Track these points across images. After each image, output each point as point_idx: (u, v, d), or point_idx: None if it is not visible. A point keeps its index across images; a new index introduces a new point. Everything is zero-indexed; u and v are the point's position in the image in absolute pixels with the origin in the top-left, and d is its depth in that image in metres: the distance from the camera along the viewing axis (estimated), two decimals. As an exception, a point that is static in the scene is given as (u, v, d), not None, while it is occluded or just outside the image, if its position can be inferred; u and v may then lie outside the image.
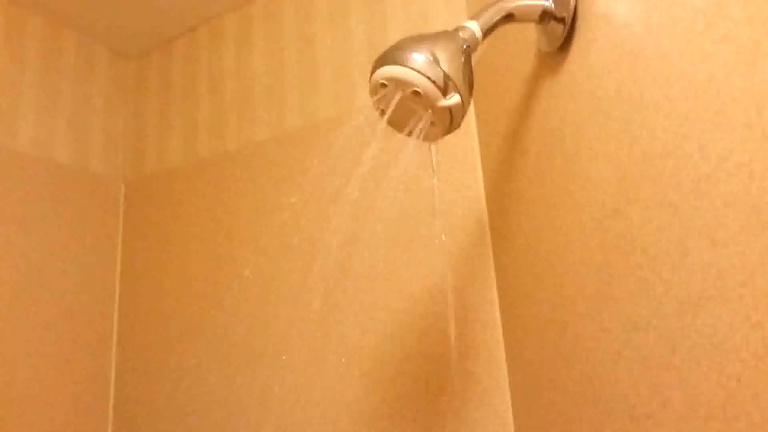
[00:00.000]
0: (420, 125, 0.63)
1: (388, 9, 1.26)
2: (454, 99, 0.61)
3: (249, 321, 1.27)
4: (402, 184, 1.12)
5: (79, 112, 1.52)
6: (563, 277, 0.71)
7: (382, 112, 0.64)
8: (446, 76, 0.60)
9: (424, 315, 1.06)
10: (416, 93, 0.61)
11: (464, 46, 0.63)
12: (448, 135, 0.67)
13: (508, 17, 0.68)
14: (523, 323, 0.87)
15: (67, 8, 1.46)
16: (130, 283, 1.48)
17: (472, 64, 0.65)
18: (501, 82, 0.92)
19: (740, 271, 0.41)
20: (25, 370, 1.28)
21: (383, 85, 0.62)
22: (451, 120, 0.64)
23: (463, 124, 0.67)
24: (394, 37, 1.24)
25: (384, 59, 0.62)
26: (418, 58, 0.60)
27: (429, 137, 0.66)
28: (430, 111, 0.62)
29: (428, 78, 0.60)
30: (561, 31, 0.67)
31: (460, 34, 0.65)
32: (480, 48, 0.67)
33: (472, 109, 1.10)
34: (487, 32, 0.67)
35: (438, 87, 0.60)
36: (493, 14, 0.67)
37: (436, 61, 0.60)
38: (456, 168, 1.09)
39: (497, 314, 0.99)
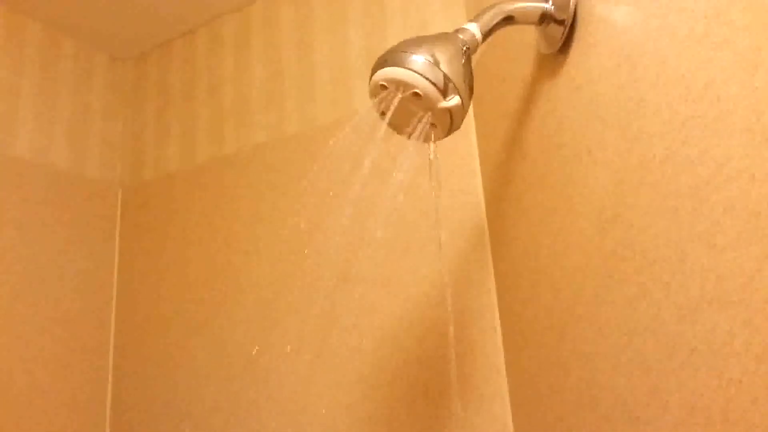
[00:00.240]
0: (420, 127, 0.63)
1: (386, 14, 1.26)
2: (454, 100, 0.61)
3: (246, 326, 1.27)
4: (401, 189, 1.11)
5: (77, 117, 1.52)
6: (562, 282, 0.70)
7: (383, 114, 0.64)
8: (446, 78, 0.60)
9: (424, 320, 1.06)
10: (416, 94, 0.61)
11: (464, 48, 0.63)
12: (447, 139, 0.67)
13: (508, 19, 0.68)
14: (522, 328, 0.87)
15: (65, 14, 1.47)
16: (127, 287, 1.48)
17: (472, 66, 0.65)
18: (500, 84, 0.92)
19: (739, 276, 0.41)
20: (23, 374, 1.27)
21: (383, 87, 0.62)
22: (451, 121, 0.64)
23: (462, 128, 0.67)
24: (392, 42, 1.24)
25: (384, 61, 0.62)
26: (418, 59, 0.60)
27: (429, 139, 0.66)
28: (430, 113, 0.62)
29: (428, 79, 0.60)
30: (560, 33, 0.67)
31: (460, 35, 0.65)
32: (479, 50, 0.67)
33: (470, 112, 1.10)
34: (487, 34, 0.67)
35: (438, 88, 0.60)
36: (493, 16, 0.67)
37: (436, 62, 0.60)
38: (455, 173, 1.09)
39: (496, 319, 0.99)
